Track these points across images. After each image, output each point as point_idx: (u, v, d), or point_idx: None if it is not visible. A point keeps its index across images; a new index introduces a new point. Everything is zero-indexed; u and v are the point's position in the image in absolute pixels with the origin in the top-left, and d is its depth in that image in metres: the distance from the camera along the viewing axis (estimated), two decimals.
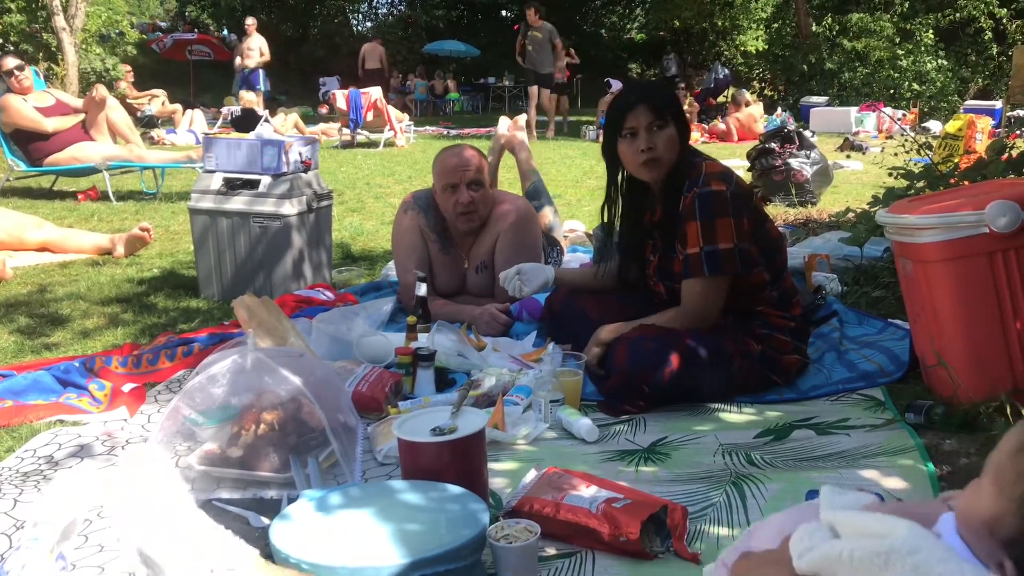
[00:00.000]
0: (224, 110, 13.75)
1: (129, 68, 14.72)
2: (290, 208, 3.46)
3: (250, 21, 13.50)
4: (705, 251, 2.29)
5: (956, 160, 5.65)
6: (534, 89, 12.28)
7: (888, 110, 12.52)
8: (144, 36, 19.86)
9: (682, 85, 16.60)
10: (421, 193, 3.18)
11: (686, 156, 2.39)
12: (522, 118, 4.44)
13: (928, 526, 0.95)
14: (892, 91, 15.63)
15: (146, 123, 12.44)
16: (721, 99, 15.65)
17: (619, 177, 2.50)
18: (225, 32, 25.04)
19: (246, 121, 9.90)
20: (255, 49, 13.27)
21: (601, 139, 2.51)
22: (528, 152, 4.11)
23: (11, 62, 6.23)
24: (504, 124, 4.27)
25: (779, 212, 5.56)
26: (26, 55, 11.92)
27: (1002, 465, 0.88)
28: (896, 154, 5.04)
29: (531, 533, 1.49)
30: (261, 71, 13.38)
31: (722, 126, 12.08)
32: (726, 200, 2.29)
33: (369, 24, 28.63)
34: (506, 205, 3.11)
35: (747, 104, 12.34)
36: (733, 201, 2.30)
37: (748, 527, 1.56)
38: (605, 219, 2.58)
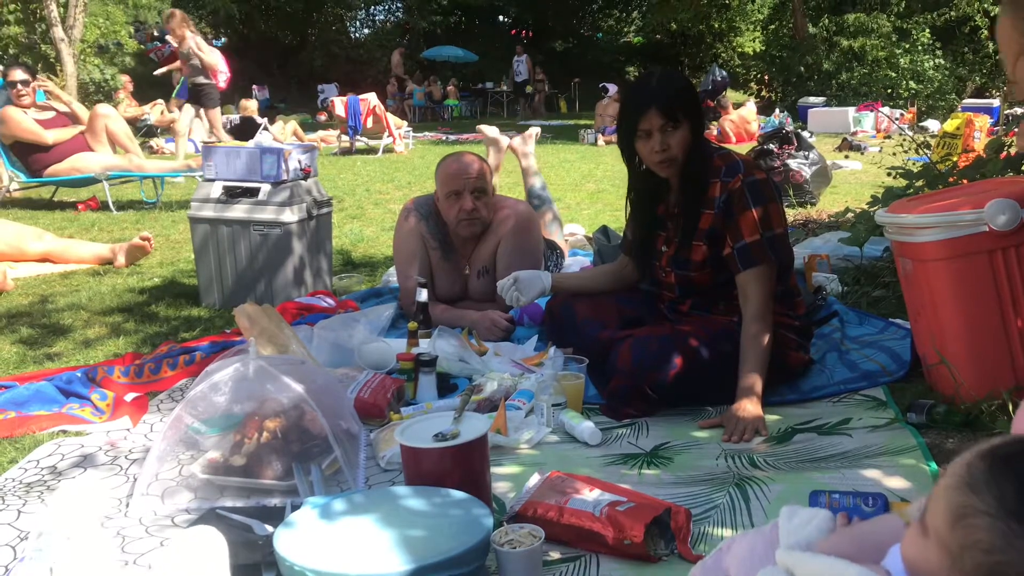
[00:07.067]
0: (223, 119, 13.74)
1: (129, 78, 14.71)
2: (290, 215, 3.46)
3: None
4: (766, 237, 2.30)
5: (955, 159, 5.66)
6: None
7: (886, 110, 12.54)
8: (142, 46, 19.85)
9: None
10: (422, 199, 3.18)
11: (701, 147, 2.38)
12: (534, 130, 4.47)
13: (883, 551, 0.96)
14: (890, 90, 15.64)
15: (145, 132, 12.44)
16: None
17: (636, 168, 2.48)
18: (223, 40, 25.07)
19: (245, 129, 9.94)
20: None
21: (615, 135, 2.51)
22: (528, 162, 4.15)
23: (18, 75, 6.26)
24: (491, 130, 4.29)
25: None
26: (25, 66, 11.90)
27: (943, 535, 0.85)
28: (895, 153, 5.05)
29: (535, 538, 1.49)
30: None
31: (715, 131, 12.06)
32: (770, 186, 2.37)
33: (367, 31, 28.69)
34: (507, 210, 3.11)
35: (734, 107, 12.32)
36: (774, 187, 2.40)
37: (751, 529, 1.56)
38: (628, 209, 2.58)
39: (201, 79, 8.51)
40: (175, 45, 8.75)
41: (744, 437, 2.10)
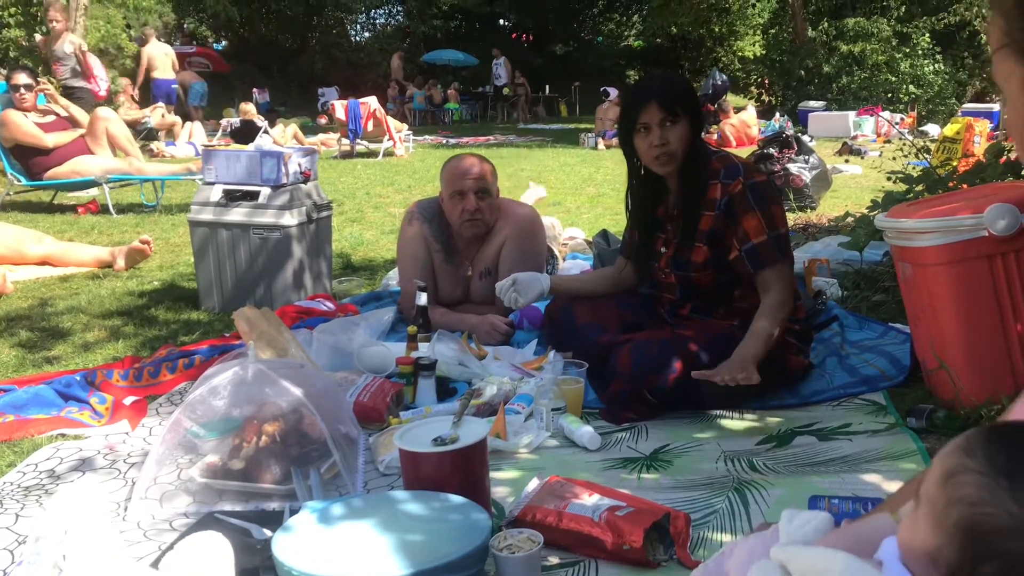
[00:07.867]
0: (223, 122, 13.76)
1: (129, 81, 14.72)
2: (290, 219, 3.46)
3: (150, 29, 12.22)
4: (772, 237, 2.33)
5: (954, 163, 5.66)
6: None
7: (886, 114, 12.53)
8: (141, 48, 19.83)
9: None
10: (425, 202, 3.19)
11: (699, 147, 2.40)
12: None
13: (875, 547, 0.96)
14: (890, 95, 15.65)
15: (146, 135, 12.45)
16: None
17: (636, 166, 2.50)
18: (223, 44, 25.09)
19: (245, 133, 9.95)
20: (169, 56, 12.20)
21: (617, 134, 2.53)
22: None
23: (22, 79, 6.27)
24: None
25: None
26: (28, 70, 11.91)
27: (933, 495, 0.87)
28: (894, 158, 5.04)
29: (534, 543, 1.49)
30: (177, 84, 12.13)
31: (715, 135, 12.05)
32: (772, 188, 2.41)
33: (367, 35, 28.72)
34: (511, 213, 3.12)
35: (734, 111, 12.31)
36: (776, 188, 2.40)
37: (752, 533, 1.56)
38: (628, 208, 2.59)
39: (76, 82, 8.01)
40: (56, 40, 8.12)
41: (738, 376, 2.11)
